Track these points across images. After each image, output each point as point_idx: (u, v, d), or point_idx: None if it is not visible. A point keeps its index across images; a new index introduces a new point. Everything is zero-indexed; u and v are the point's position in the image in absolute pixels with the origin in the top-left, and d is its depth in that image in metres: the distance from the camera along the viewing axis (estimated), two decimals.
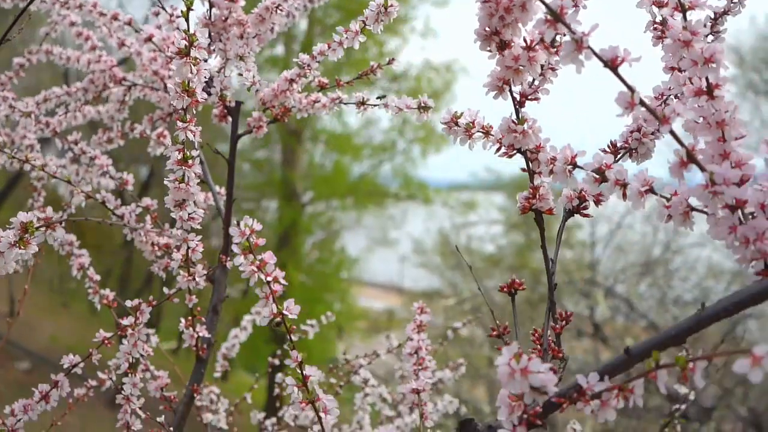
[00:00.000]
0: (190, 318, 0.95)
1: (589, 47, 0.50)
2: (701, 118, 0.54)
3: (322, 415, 0.64)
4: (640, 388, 0.49)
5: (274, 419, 1.39)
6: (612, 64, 0.50)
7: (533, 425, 0.55)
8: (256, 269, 0.61)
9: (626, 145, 0.68)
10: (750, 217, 0.51)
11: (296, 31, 9.32)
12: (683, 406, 1.06)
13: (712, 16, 0.71)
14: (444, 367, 1.43)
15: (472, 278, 8.01)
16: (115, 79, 1.18)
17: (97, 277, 1.08)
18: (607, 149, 0.68)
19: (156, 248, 1.01)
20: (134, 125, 1.20)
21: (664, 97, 0.68)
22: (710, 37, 0.71)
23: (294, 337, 0.65)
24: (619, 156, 0.69)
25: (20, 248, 0.67)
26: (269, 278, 0.62)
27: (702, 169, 0.51)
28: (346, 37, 0.90)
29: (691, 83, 0.55)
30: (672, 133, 0.50)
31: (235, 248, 0.61)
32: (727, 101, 0.53)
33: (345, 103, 0.97)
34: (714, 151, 0.53)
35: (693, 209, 0.54)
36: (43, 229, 0.65)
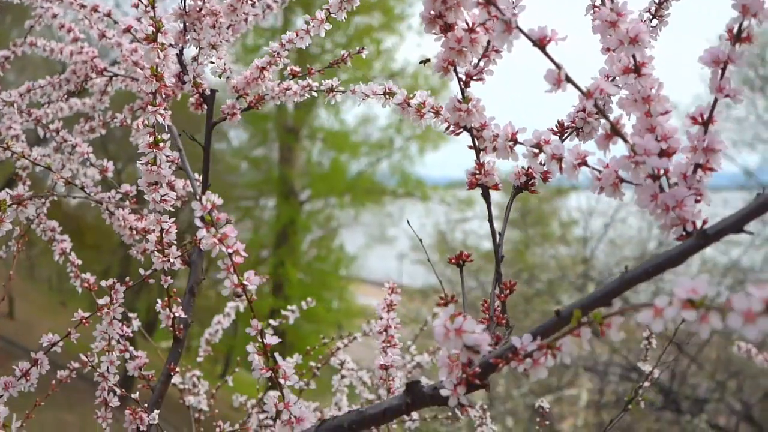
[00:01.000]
0: (166, 299, 0.98)
1: (518, 27, 0.53)
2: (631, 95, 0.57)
3: (282, 381, 0.67)
4: (567, 345, 0.53)
5: (254, 400, 1.42)
6: (540, 43, 0.54)
7: (473, 385, 0.59)
8: (217, 242, 0.65)
9: (572, 125, 0.71)
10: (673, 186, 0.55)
11: (292, 29, 9.34)
12: (646, 384, 1.09)
13: (657, 0, 0.74)
14: (423, 352, 1.46)
15: (470, 275, 8.05)
16: (97, 70, 1.22)
17: (79, 262, 1.11)
18: (554, 129, 0.72)
19: (134, 232, 1.05)
20: (115, 115, 1.23)
21: (609, 79, 0.71)
22: (654, 21, 0.75)
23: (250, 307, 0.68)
24: (566, 135, 0.72)
25: None
26: (230, 251, 0.65)
27: (625, 141, 0.54)
28: (313, 25, 0.93)
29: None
30: (597, 107, 0.54)
31: (197, 222, 0.64)
32: (653, 78, 0.57)
33: (316, 91, 1.01)
34: (642, 125, 0.57)
35: (622, 180, 0.57)
36: (14, 206, 0.69)
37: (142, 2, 0.84)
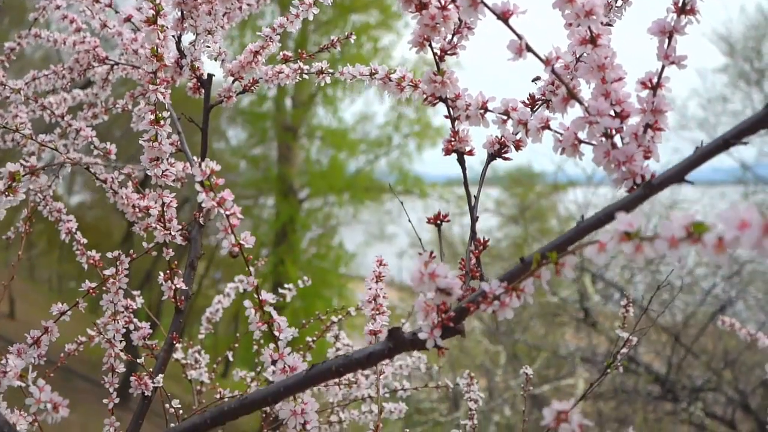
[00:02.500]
0: (168, 271, 1.04)
1: (482, 2, 0.59)
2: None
3: (276, 333, 0.73)
4: (530, 286, 0.58)
5: (253, 374, 1.49)
6: (504, 16, 0.60)
7: (448, 329, 0.64)
8: (216, 204, 0.71)
9: (543, 97, 0.77)
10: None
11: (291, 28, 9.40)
12: (624, 350, 1.15)
13: None
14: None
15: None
16: (99, 59, 1.27)
17: (84, 241, 1.17)
18: (526, 101, 0.78)
19: (137, 210, 1.11)
20: (116, 102, 1.29)
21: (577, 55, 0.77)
22: (619, 2, 0.81)
23: (251, 268, 0.74)
24: (537, 106, 0.78)
25: (9, 195, 0.76)
26: (228, 212, 0.71)
27: (581, 103, 0.60)
28: (302, 9, 0.99)
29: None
30: (554, 73, 0.60)
31: (197, 186, 0.70)
32: (608, 48, 0.63)
33: (306, 73, 1.07)
34: (598, 91, 0.63)
35: (581, 141, 0.63)
36: (28, 176, 0.74)
37: None
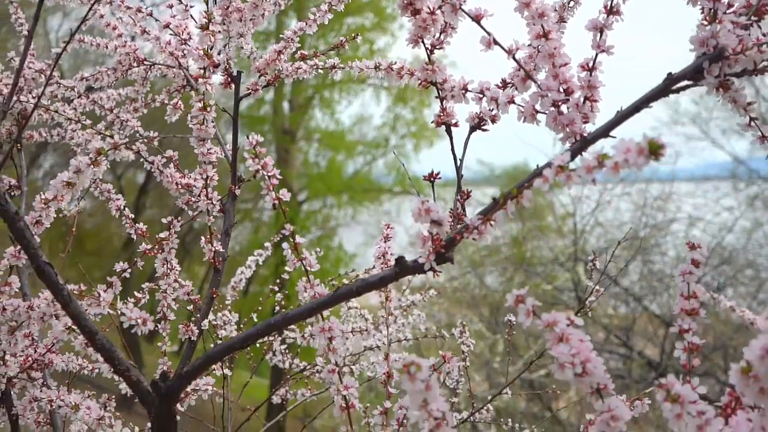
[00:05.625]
0: (209, 236, 1.25)
1: (461, 8, 0.80)
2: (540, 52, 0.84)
3: (308, 267, 0.94)
4: (499, 217, 0.79)
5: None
6: (477, 18, 0.80)
7: (441, 255, 0.85)
8: (260, 168, 0.92)
9: (512, 81, 0.98)
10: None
11: (288, 26, 9.65)
12: (593, 298, 1.35)
13: None
14: (416, 293, 1.73)
15: (470, 270, 8.32)
16: (138, 60, 1.48)
17: (132, 215, 1.38)
18: (499, 84, 0.98)
19: (179, 187, 1.31)
20: (155, 97, 1.50)
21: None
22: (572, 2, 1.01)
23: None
24: (507, 87, 0.99)
25: (95, 167, 0.97)
26: (270, 174, 0.92)
27: (535, 81, 0.81)
28: (319, 16, 1.20)
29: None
30: (515, 60, 0.81)
31: (245, 154, 0.91)
32: (557, 41, 0.83)
33: (321, 68, 1.28)
34: (549, 73, 0.84)
35: (537, 111, 0.84)
36: (112, 150, 0.95)
37: (176, 3, 1.11)
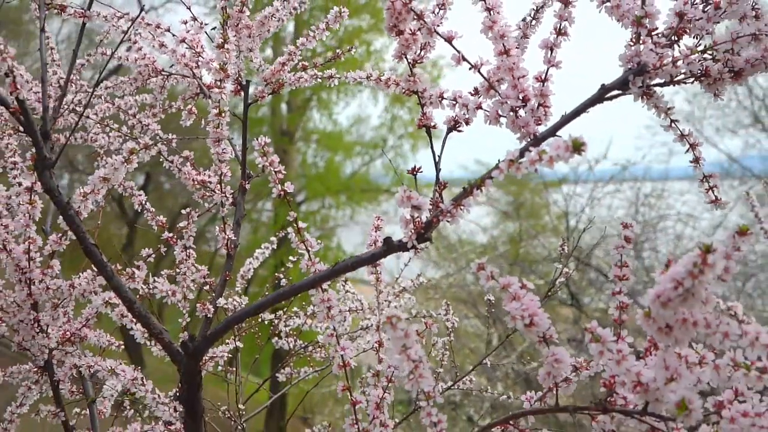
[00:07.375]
0: (222, 225, 1.42)
1: (435, 32, 0.97)
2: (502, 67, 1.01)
3: (309, 248, 1.11)
4: (468, 201, 0.96)
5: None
6: (449, 39, 0.98)
7: (421, 235, 1.02)
8: (268, 164, 1.09)
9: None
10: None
11: (284, 33, 9.82)
12: (561, 280, 1.52)
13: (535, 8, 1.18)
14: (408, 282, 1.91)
15: (467, 269, 8.49)
16: (156, 71, 1.65)
17: (153, 210, 1.55)
18: (471, 92, 1.16)
19: (195, 183, 1.49)
20: (171, 103, 1.67)
21: None
22: (533, 21, 1.19)
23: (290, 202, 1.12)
24: (478, 95, 1.16)
25: (127, 164, 1.14)
26: (276, 169, 1.09)
27: (496, 91, 0.98)
28: (318, 32, 1.38)
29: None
30: (480, 73, 0.98)
31: (255, 153, 1.08)
32: (517, 57, 1.01)
33: (320, 78, 1.45)
34: (509, 84, 1.01)
35: (500, 115, 1.02)
36: (143, 150, 1.12)
37: (203, 23, 1.28)
